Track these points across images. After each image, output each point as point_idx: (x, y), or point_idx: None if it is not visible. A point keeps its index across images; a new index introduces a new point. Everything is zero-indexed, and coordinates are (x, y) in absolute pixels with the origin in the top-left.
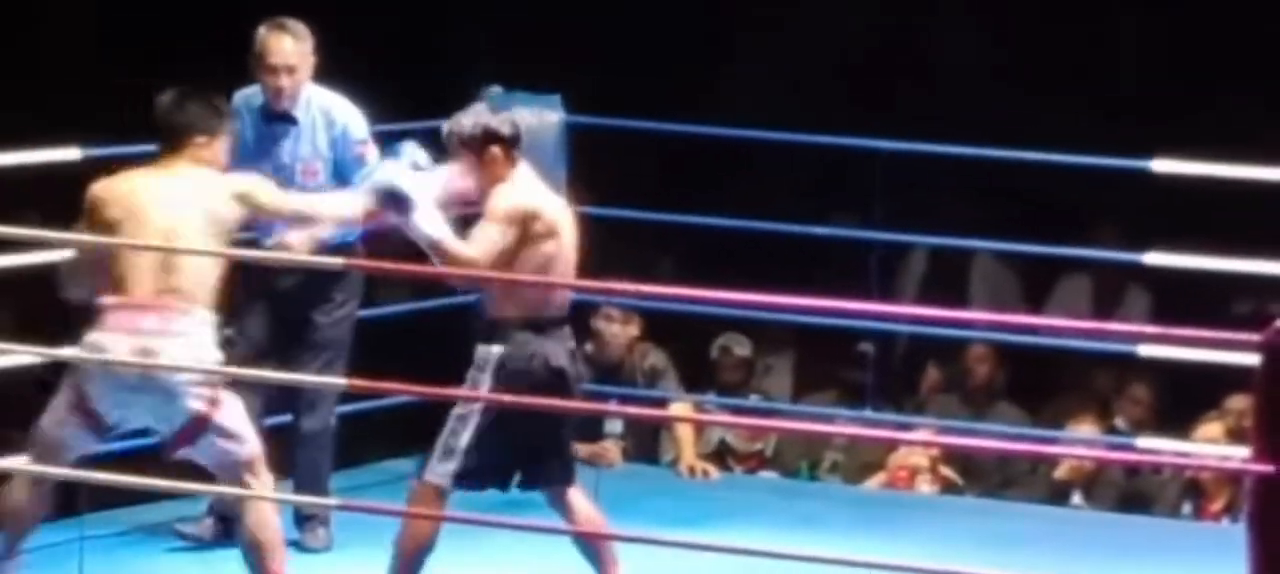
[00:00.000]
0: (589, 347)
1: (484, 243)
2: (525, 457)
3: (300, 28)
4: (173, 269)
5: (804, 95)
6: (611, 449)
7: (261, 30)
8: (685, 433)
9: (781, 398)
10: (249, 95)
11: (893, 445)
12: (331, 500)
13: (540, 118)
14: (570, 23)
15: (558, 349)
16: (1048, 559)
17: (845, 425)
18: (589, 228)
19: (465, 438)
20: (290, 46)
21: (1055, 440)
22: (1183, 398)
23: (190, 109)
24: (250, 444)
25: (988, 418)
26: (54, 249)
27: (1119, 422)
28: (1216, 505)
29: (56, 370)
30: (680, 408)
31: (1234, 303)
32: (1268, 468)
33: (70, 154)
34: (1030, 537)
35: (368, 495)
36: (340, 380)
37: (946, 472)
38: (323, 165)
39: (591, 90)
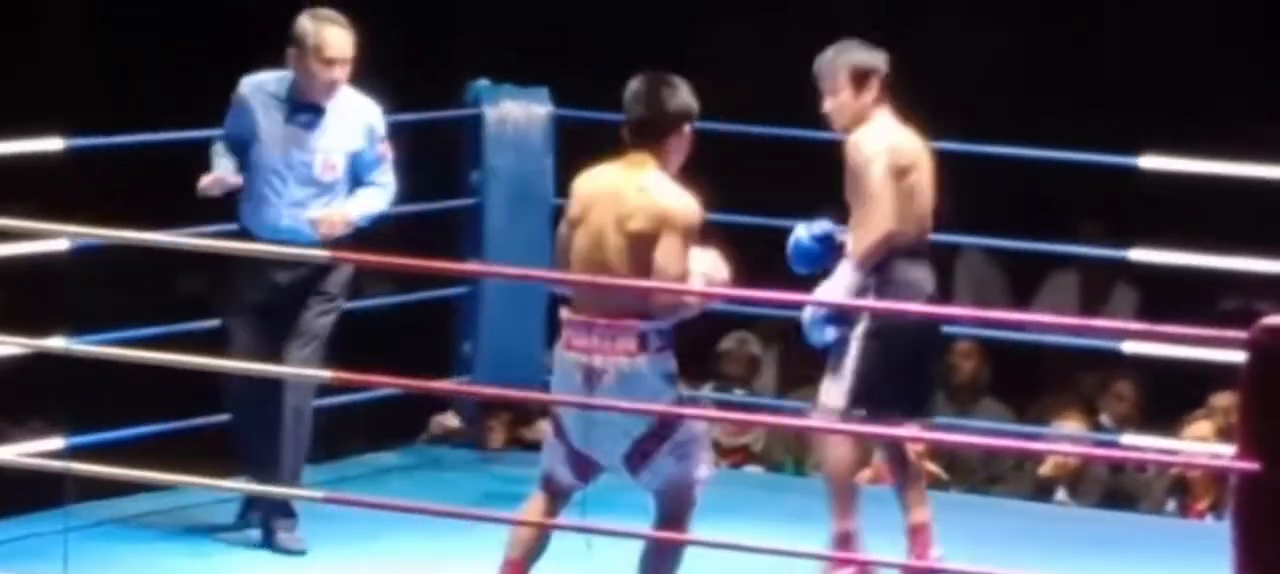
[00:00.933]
0: None
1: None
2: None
3: (347, 22)
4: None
5: (792, 88)
6: None
7: (313, 23)
8: None
9: (767, 393)
10: (265, 82)
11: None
12: (316, 492)
13: (527, 111)
14: (558, 16)
15: (929, 276)
16: (1032, 556)
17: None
18: None
19: (851, 360)
20: (348, 40)
21: (1040, 437)
22: (1168, 395)
23: (662, 98)
24: (705, 465)
25: (973, 414)
26: (41, 240)
27: (1104, 419)
28: (1202, 503)
29: (40, 364)
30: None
31: (1221, 300)
32: (1253, 466)
33: (53, 144)
34: (1015, 533)
35: (349, 488)
36: (324, 372)
37: (931, 467)
38: (342, 160)
39: (579, 83)
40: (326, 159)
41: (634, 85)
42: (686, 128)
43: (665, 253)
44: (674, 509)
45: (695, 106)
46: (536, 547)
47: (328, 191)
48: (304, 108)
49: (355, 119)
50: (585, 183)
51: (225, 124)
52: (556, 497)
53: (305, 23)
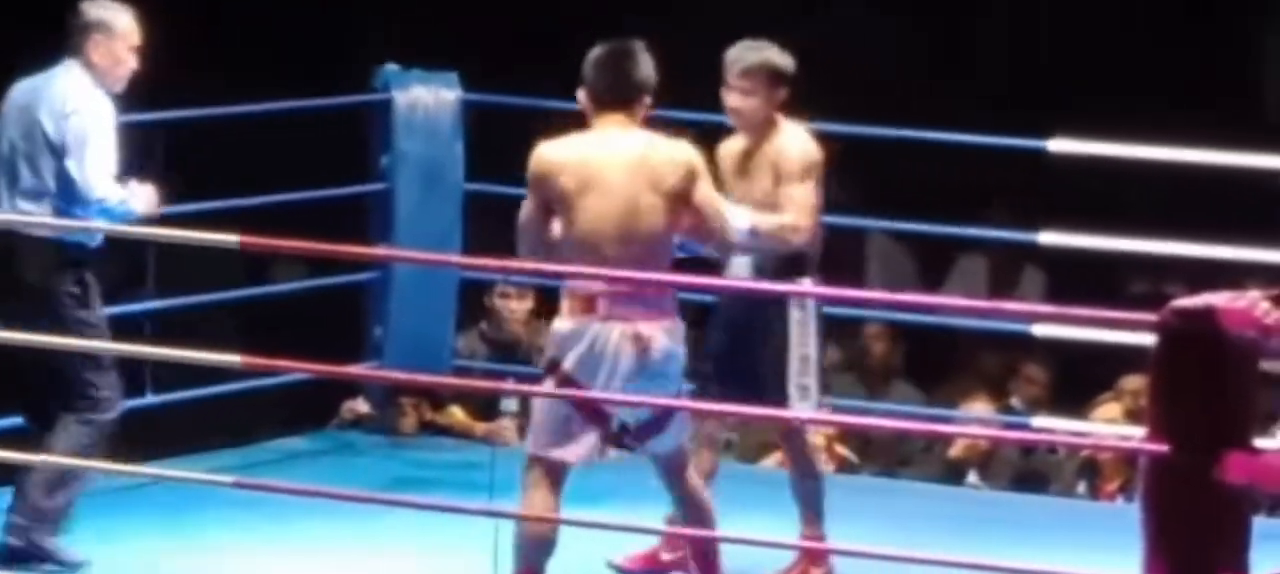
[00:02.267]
0: (484, 325)
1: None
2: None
3: None
4: (633, 241)
5: (698, 74)
6: (508, 427)
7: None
8: None
9: None
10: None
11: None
12: (226, 477)
13: (436, 96)
14: (466, 1)
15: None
16: (943, 537)
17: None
18: (487, 206)
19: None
20: None
21: (951, 419)
22: (1078, 378)
23: (645, 64)
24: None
25: (884, 397)
26: None
27: (1015, 401)
28: (1112, 485)
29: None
30: None
31: (1130, 284)
32: (1162, 448)
33: None
34: (926, 515)
35: (259, 473)
36: (233, 358)
37: (842, 450)
38: None
39: (487, 67)
40: None
41: (599, 53)
42: (648, 98)
43: (706, 195)
44: (681, 464)
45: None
46: (551, 543)
47: None
48: None
49: None
50: (573, 153)
51: None
52: (559, 483)
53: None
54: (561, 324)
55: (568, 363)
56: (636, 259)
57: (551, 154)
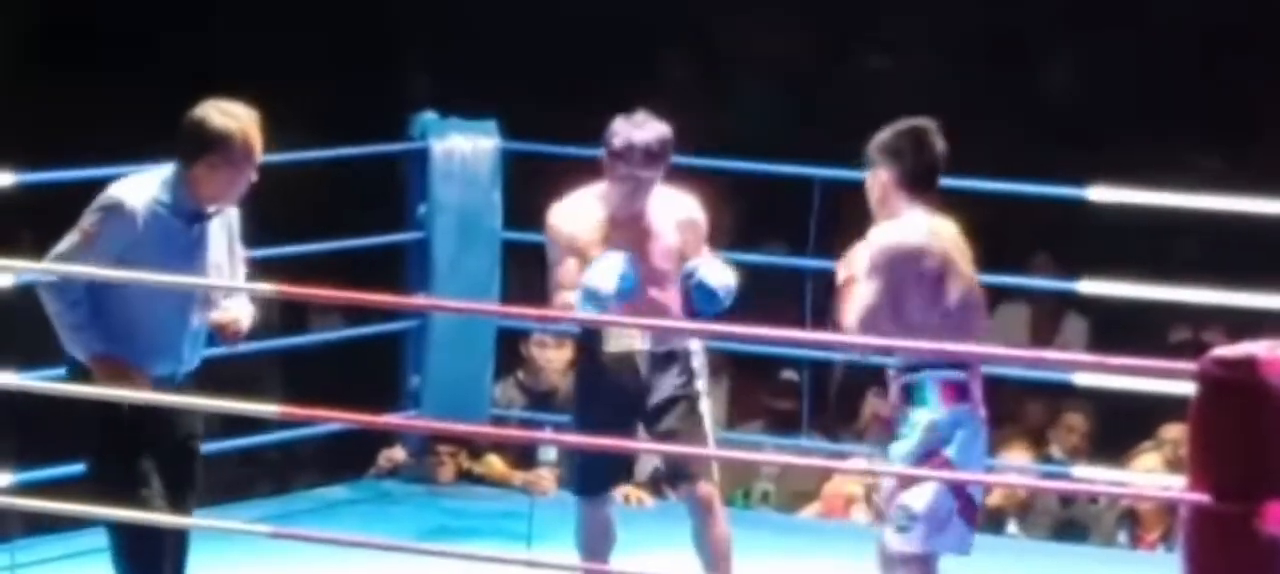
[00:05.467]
0: (522, 374)
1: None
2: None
3: None
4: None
5: (739, 118)
6: (546, 477)
7: (247, 123)
8: None
9: (715, 426)
10: (148, 187)
11: (827, 474)
12: (263, 527)
13: (474, 144)
14: (505, 48)
15: None
16: None
17: (778, 454)
18: (525, 254)
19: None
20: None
21: (991, 469)
22: (1118, 427)
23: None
24: None
25: None
26: None
27: (1054, 450)
28: (1152, 535)
29: None
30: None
31: (1170, 331)
32: (1203, 497)
33: (2, 179)
34: (965, 565)
35: (297, 523)
36: (272, 408)
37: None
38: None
39: (527, 115)
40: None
41: (910, 133)
42: None
43: None
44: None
45: None
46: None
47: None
48: (198, 218)
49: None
50: (925, 233)
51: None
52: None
53: (236, 123)
54: (933, 413)
55: (950, 451)
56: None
57: (906, 237)
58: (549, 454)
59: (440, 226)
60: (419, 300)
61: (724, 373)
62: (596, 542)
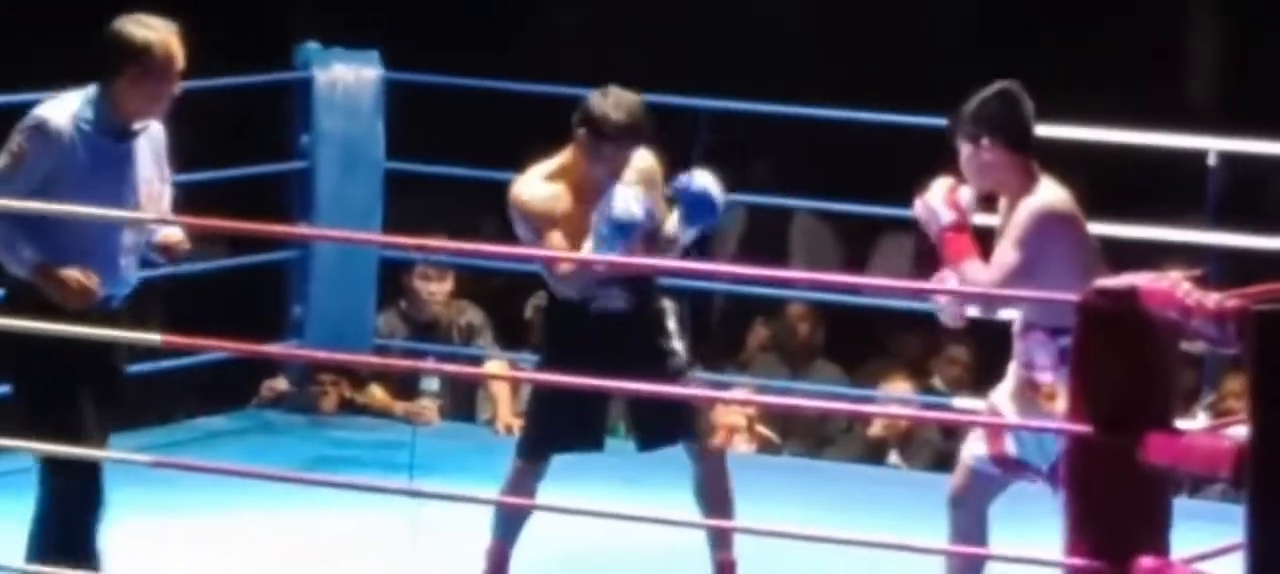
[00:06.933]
0: (404, 304)
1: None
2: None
3: None
4: None
5: (621, 52)
6: (428, 407)
7: (165, 33)
8: (501, 391)
9: None
10: (71, 106)
11: (710, 404)
12: (144, 456)
13: (358, 74)
14: None
15: None
16: (865, 517)
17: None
18: (408, 184)
19: None
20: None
21: (872, 400)
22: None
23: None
24: None
25: (806, 377)
26: None
27: (936, 381)
28: None
29: None
30: (496, 366)
31: None
32: (1085, 429)
33: None
34: (847, 496)
35: (179, 452)
36: (154, 336)
37: (764, 430)
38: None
39: (409, 45)
40: (149, 189)
41: (1006, 95)
42: None
43: None
44: None
45: None
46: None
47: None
48: (125, 136)
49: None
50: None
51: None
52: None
53: (155, 34)
54: None
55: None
56: None
57: (1060, 204)
58: (431, 385)
59: (323, 156)
60: (302, 230)
61: None
62: (513, 508)
